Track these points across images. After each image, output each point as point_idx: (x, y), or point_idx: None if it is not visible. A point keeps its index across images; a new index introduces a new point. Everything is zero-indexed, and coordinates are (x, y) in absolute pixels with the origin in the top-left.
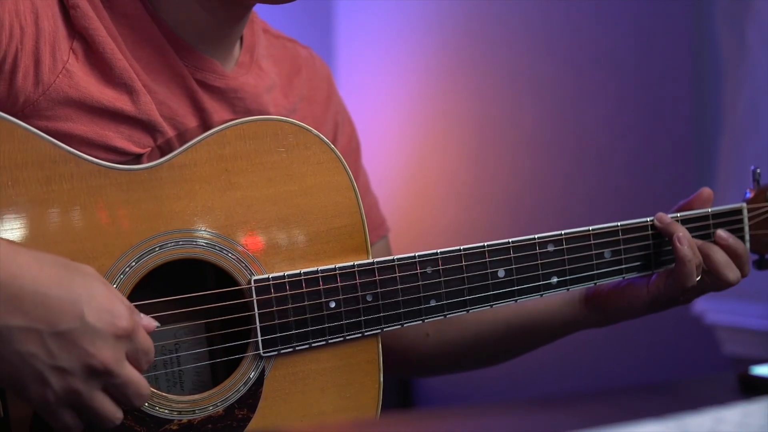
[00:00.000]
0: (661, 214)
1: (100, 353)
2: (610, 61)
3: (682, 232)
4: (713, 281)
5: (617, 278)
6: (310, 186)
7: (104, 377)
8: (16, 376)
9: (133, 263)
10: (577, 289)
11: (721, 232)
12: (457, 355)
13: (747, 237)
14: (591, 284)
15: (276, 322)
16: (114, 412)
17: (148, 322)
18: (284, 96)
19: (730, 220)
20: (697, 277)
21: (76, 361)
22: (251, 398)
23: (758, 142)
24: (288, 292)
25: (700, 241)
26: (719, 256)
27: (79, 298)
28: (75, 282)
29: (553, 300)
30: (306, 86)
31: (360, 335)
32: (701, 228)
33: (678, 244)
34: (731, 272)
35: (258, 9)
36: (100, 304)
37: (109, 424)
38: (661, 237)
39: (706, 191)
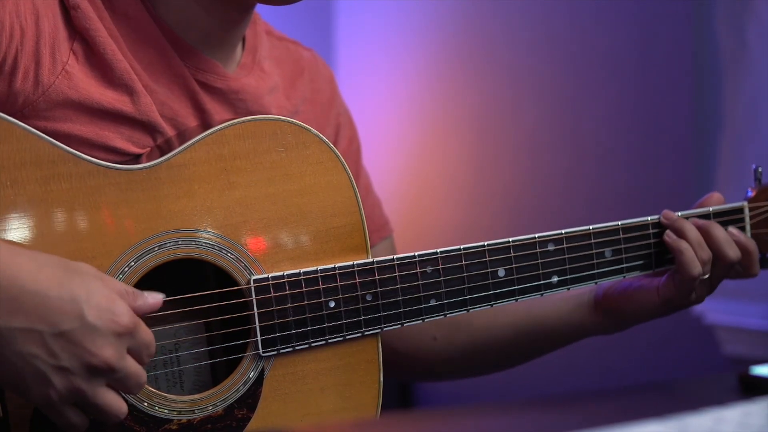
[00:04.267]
0: (667, 211)
1: (101, 352)
2: (610, 61)
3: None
4: (716, 265)
5: (618, 277)
6: (309, 185)
7: (106, 374)
8: (18, 377)
9: (132, 263)
10: (587, 295)
11: (733, 229)
12: (466, 359)
13: (748, 236)
14: (592, 283)
15: (275, 321)
16: (119, 406)
17: (154, 299)
18: (287, 98)
19: (732, 219)
20: (705, 274)
21: (78, 360)
22: (251, 398)
23: (758, 142)
24: (287, 292)
25: (700, 221)
26: (719, 232)
27: (79, 297)
28: (74, 282)
29: (564, 305)
30: (308, 88)
31: (360, 335)
32: None
33: (666, 239)
34: (731, 250)
35: (258, 8)
36: (99, 303)
37: (115, 419)
38: (662, 236)
39: (716, 195)
